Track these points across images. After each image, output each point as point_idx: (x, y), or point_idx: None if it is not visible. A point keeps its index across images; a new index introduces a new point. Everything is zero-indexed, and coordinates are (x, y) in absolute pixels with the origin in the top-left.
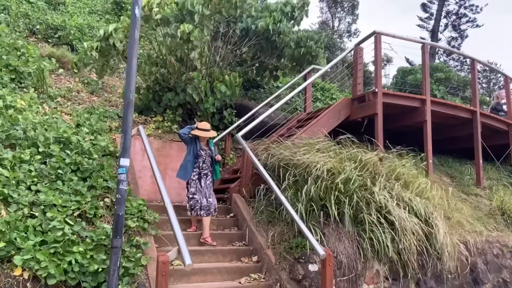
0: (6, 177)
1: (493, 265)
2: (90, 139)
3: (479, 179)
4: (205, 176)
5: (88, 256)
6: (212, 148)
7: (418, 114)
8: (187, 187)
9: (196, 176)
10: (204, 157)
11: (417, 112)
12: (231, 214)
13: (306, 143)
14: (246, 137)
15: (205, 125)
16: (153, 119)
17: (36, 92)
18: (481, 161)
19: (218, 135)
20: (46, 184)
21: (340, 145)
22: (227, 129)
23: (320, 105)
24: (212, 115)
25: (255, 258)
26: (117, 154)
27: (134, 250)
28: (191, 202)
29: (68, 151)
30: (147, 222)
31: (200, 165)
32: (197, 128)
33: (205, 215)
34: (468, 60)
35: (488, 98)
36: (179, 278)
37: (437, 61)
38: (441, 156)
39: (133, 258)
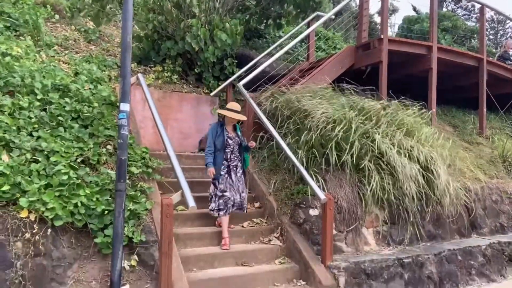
0: (6, 123)
1: (492, 211)
2: (90, 88)
3: (482, 128)
4: (235, 168)
5: (94, 199)
6: (239, 133)
7: (424, 62)
8: (213, 183)
9: (225, 170)
10: (232, 146)
11: (423, 59)
12: None
13: (309, 91)
14: (247, 87)
15: (235, 105)
16: (153, 69)
17: (32, 40)
18: (485, 110)
19: (218, 89)
20: (47, 130)
21: (343, 94)
22: (228, 79)
23: (323, 55)
24: (213, 65)
25: (257, 204)
26: (118, 104)
27: (139, 194)
28: (220, 200)
29: (67, 99)
30: (150, 168)
31: (229, 156)
32: (226, 108)
33: (237, 211)
34: (477, 6)
35: (494, 50)
36: (183, 222)
37: (444, 9)
38: (444, 106)
39: (138, 202)
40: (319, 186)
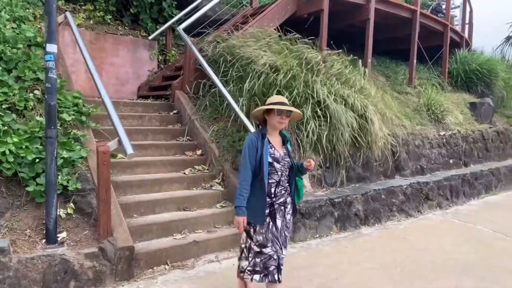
0: None
1: (414, 154)
2: (13, 27)
3: (411, 79)
4: (282, 208)
5: (23, 147)
6: (290, 149)
7: (362, 12)
8: (247, 232)
9: (268, 211)
10: (280, 172)
11: (362, 9)
12: (175, 111)
13: (252, 37)
14: (188, 31)
15: (279, 97)
16: (83, 7)
17: None
18: (415, 61)
19: (157, 32)
20: None
21: (285, 42)
22: (167, 22)
23: (267, 0)
24: (150, 6)
25: (199, 152)
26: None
27: (73, 142)
28: (257, 259)
29: None
30: (84, 115)
31: (274, 189)
32: (268, 103)
33: (278, 281)
34: None
35: (430, 2)
36: (122, 169)
37: None
38: (380, 57)
39: (72, 149)
40: None
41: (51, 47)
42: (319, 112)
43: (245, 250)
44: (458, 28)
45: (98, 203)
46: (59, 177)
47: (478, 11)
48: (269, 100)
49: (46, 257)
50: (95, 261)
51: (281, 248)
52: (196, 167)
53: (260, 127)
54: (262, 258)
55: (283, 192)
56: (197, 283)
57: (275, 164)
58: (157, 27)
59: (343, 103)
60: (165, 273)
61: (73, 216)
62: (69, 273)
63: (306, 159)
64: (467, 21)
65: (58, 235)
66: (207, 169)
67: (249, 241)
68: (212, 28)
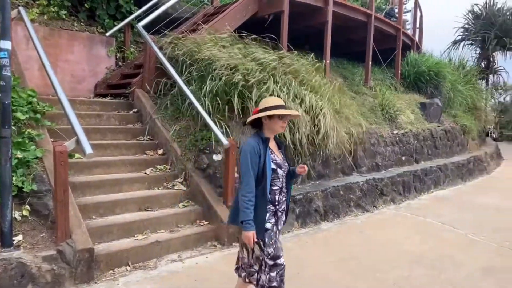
0: None
1: (370, 152)
2: None
3: (367, 79)
4: (282, 215)
5: None
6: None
7: (321, 15)
8: (258, 244)
9: (273, 220)
10: (281, 179)
11: (321, 12)
12: (134, 110)
13: (212, 38)
14: (148, 29)
15: (275, 100)
16: (37, 2)
17: None
18: (370, 63)
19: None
20: None
21: (246, 43)
22: (125, 19)
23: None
24: (107, 2)
25: (160, 151)
26: None
27: (27, 141)
28: (273, 273)
29: None
30: (39, 114)
31: (277, 196)
32: (266, 108)
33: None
34: None
35: (384, 6)
36: (80, 170)
37: None
38: (338, 58)
39: (27, 149)
40: (222, 133)
41: (5, 44)
42: None
43: (253, 263)
44: (409, 32)
45: (56, 204)
46: (14, 178)
47: (435, 15)
48: (266, 103)
49: (1, 261)
50: (54, 264)
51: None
52: (158, 166)
53: (258, 129)
54: (278, 271)
55: (283, 199)
56: (160, 283)
57: (278, 170)
58: (115, 23)
59: (300, 103)
60: (127, 274)
61: (29, 218)
62: (26, 277)
63: (299, 165)
64: (417, 25)
65: (13, 238)
66: (169, 169)
67: (261, 254)
68: (174, 26)
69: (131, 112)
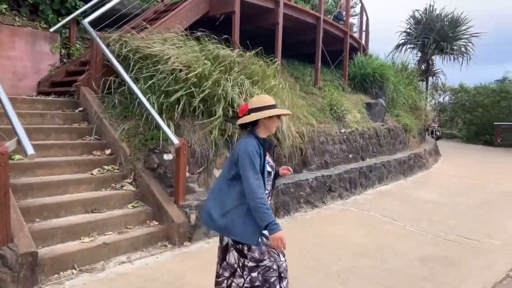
0: None
1: (319, 150)
2: None
3: (316, 80)
4: None
5: None
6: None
7: (272, 16)
8: (241, 250)
9: None
10: (271, 181)
11: (272, 13)
12: (80, 108)
13: (163, 36)
14: (95, 25)
15: (266, 98)
16: None
17: None
18: (319, 64)
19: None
20: None
21: (198, 41)
22: (71, 14)
23: None
24: None
25: (108, 151)
26: None
27: None
28: (253, 274)
29: None
30: None
31: (268, 197)
32: (260, 107)
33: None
34: None
35: (332, 10)
36: (21, 172)
37: None
38: (289, 59)
39: None
40: (173, 132)
41: None
42: (230, 111)
43: (272, 269)
44: (356, 35)
45: None
46: None
47: (381, 19)
48: (262, 101)
49: None
50: None
51: (278, 255)
52: (105, 167)
53: (252, 128)
54: (259, 270)
55: (269, 202)
56: (108, 285)
57: (272, 172)
58: (59, 19)
59: None
60: (73, 277)
61: None
62: None
63: (282, 166)
64: (364, 28)
65: None
66: (117, 169)
67: (278, 259)
68: (123, 22)
69: (76, 111)
